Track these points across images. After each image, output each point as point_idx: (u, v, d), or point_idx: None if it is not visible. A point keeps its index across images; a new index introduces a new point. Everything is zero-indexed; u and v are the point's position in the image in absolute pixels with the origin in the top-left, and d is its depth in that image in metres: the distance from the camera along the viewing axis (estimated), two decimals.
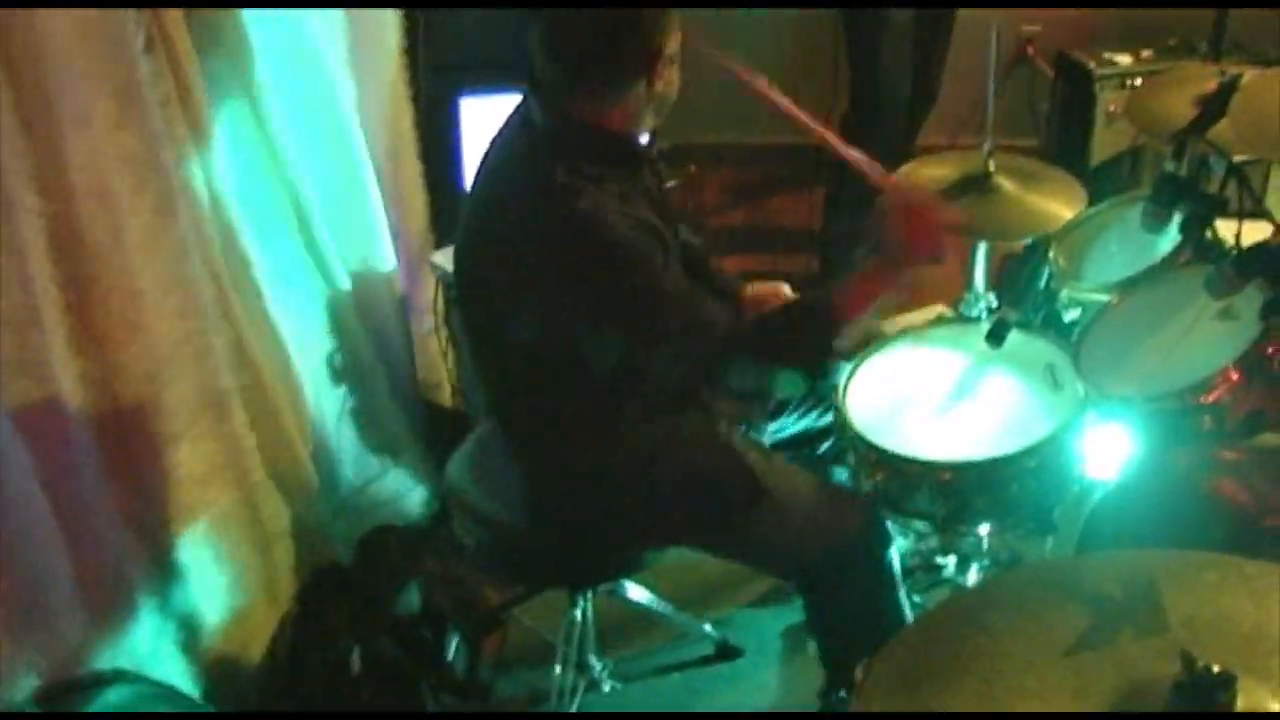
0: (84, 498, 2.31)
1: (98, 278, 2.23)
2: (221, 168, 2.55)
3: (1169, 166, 2.42)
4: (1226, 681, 1.18)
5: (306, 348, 2.91)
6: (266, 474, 2.71)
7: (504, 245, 2.23)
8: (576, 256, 2.14)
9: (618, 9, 2.13)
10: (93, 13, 2.11)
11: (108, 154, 2.19)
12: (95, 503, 2.33)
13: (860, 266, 2.32)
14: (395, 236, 3.28)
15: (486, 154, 2.34)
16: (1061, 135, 4.59)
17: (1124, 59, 4.36)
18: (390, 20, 3.18)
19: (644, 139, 2.34)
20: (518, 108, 2.31)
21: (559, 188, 2.12)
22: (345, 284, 3.01)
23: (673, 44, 2.19)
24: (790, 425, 2.72)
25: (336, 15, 2.94)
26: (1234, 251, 2.34)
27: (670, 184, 2.67)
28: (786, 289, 2.68)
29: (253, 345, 2.60)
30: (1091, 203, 2.83)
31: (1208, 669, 1.18)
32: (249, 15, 2.57)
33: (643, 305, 2.16)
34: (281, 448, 2.72)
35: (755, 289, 2.66)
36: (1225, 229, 2.50)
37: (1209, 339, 2.29)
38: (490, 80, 3.36)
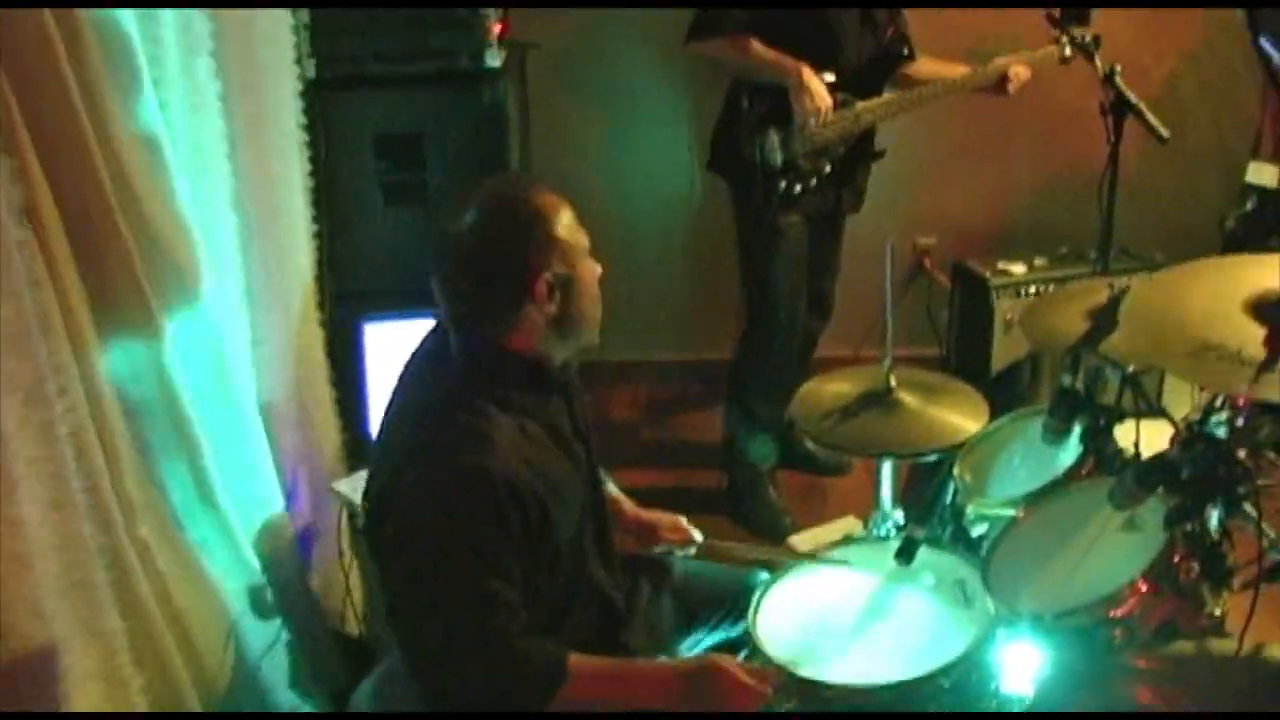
0: None
1: None
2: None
3: (1065, 380, 2.45)
4: None
5: (203, 586, 2.82)
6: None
7: (394, 476, 2.22)
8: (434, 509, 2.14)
9: (490, 238, 2.18)
10: None
11: None
12: None
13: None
14: (300, 465, 3.23)
15: (401, 376, 2.36)
16: (961, 344, 4.67)
17: (1018, 268, 4.49)
18: (302, 245, 3.21)
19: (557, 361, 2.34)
20: (435, 328, 2.34)
21: (454, 431, 2.15)
22: (239, 522, 2.92)
23: (558, 267, 2.19)
24: (704, 639, 2.68)
25: (241, 242, 2.95)
26: (1134, 462, 2.35)
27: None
28: (682, 521, 2.73)
29: (143, 585, 2.51)
30: (994, 412, 2.86)
31: None
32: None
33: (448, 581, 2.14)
34: (168, 689, 2.61)
35: (643, 514, 2.75)
36: (1125, 436, 2.53)
37: (1116, 551, 2.29)
38: (394, 305, 3.38)
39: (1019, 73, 3.77)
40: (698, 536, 2.74)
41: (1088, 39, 3.57)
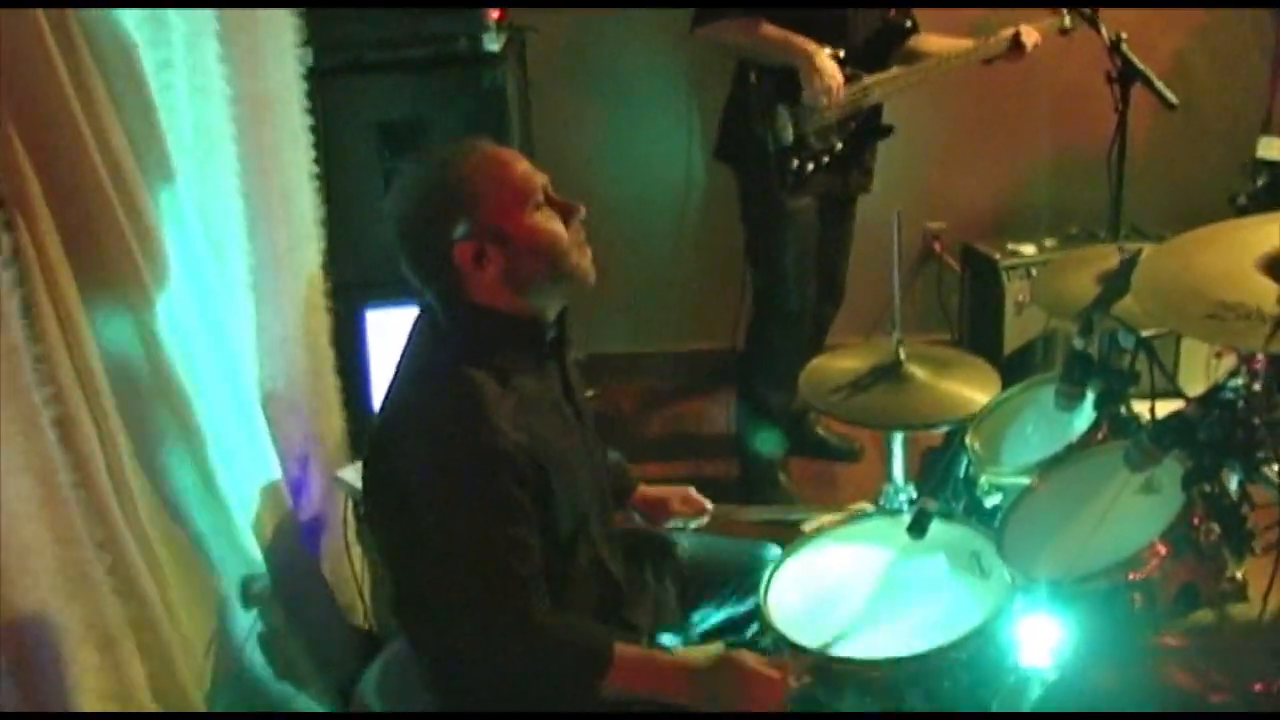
0: None
1: None
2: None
3: (1078, 344, 2.40)
4: None
5: (201, 575, 2.78)
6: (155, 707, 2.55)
7: (397, 454, 2.18)
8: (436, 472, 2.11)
9: (406, 213, 2.17)
10: None
11: None
12: None
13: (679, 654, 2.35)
14: (306, 453, 3.20)
15: (398, 363, 2.31)
16: (973, 327, 4.66)
17: (1028, 249, 4.47)
18: (310, 232, 3.19)
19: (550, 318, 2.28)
20: (423, 311, 2.29)
21: (443, 410, 2.12)
22: (240, 510, 2.88)
23: (481, 234, 2.12)
24: (712, 615, 2.65)
25: (247, 226, 2.92)
26: (1149, 423, 2.30)
27: (589, 394, 2.64)
28: (691, 491, 2.74)
29: (142, 574, 2.47)
30: (1005, 388, 2.82)
31: None
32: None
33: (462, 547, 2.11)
34: (169, 681, 2.57)
35: (651, 490, 2.74)
36: (1140, 404, 2.49)
37: (1134, 514, 2.23)
38: (395, 293, 3.34)
39: (1029, 32, 3.74)
40: (709, 506, 2.73)
41: (1089, 11, 3.54)
